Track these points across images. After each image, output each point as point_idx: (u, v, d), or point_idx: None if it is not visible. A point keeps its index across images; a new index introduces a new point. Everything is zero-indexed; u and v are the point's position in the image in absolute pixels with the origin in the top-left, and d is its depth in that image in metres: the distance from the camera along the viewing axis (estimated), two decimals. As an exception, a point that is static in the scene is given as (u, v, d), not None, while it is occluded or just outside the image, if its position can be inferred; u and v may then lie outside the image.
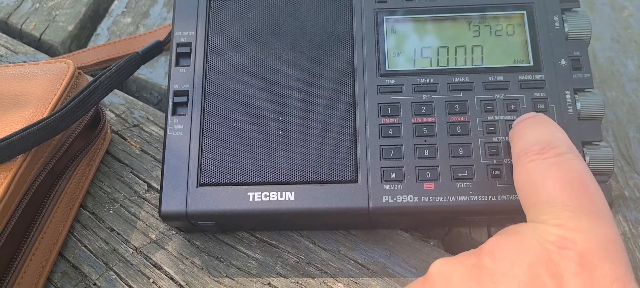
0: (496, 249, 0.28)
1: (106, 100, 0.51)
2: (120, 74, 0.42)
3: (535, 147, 0.31)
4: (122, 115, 0.50)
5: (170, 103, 0.40)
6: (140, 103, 0.52)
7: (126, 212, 0.43)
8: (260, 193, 0.37)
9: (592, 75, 0.39)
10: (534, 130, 0.32)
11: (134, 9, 0.61)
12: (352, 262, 0.40)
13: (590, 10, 0.57)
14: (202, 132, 0.39)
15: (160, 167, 0.42)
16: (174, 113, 0.40)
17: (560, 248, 0.27)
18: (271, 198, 0.37)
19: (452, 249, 0.41)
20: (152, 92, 0.54)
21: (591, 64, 0.52)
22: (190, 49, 0.41)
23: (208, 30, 0.41)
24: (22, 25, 0.60)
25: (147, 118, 0.50)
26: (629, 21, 0.56)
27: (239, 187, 0.38)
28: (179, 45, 0.41)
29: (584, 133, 0.37)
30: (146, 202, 0.44)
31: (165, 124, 0.40)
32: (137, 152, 0.47)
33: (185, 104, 0.40)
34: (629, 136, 0.46)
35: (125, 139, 0.48)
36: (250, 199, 0.37)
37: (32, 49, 0.58)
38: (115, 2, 0.63)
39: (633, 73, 0.51)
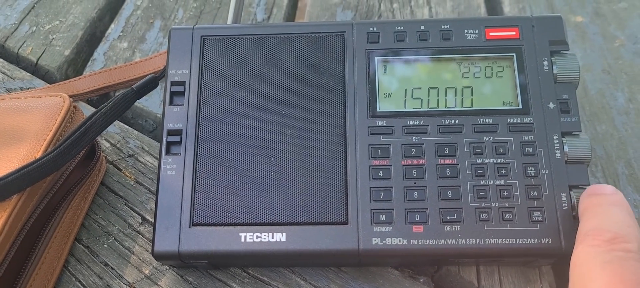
0: None
1: (101, 129, 0.52)
2: (114, 110, 0.42)
3: (607, 233, 0.31)
4: (117, 145, 0.51)
5: (164, 142, 0.40)
6: (136, 132, 0.52)
7: (120, 246, 0.44)
8: (251, 233, 0.38)
9: (580, 118, 0.39)
10: (612, 215, 0.32)
11: (130, 34, 0.62)
12: (342, 299, 0.40)
13: (581, 39, 0.58)
14: (195, 172, 0.40)
15: (154, 202, 0.43)
16: (167, 152, 0.40)
17: None
18: (263, 239, 0.38)
19: (442, 287, 0.42)
20: (148, 119, 0.55)
21: (581, 96, 0.52)
22: (184, 88, 0.42)
23: (202, 69, 0.42)
24: (18, 50, 0.60)
25: (142, 148, 0.50)
26: (620, 51, 0.57)
27: (231, 227, 0.38)
28: (173, 83, 0.42)
29: (571, 177, 0.38)
30: (140, 236, 0.44)
31: (159, 163, 0.40)
32: (132, 183, 0.48)
33: (178, 143, 0.40)
34: (617, 172, 0.47)
35: (120, 170, 0.49)
36: (242, 240, 0.38)
37: (28, 74, 0.58)
38: (112, 26, 0.63)
39: (623, 106, 0.52)
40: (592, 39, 0.58)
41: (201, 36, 0.43)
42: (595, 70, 0.55)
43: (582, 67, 0.55)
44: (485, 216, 0.37)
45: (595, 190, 0.36)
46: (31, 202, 0.40)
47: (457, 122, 0.39)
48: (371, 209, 0.38)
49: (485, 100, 0.40)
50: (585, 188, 0.38)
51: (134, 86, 0.44)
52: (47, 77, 0.59)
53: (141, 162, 0.49)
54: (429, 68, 0.41)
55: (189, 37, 0.43)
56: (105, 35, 0.62)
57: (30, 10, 0.65)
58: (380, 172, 0.39)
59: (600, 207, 0.34)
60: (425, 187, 0.38)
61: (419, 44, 0.42)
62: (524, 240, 0.36)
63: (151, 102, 0.55)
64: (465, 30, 0.42)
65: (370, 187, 0.38)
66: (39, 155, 0.40)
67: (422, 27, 0.42)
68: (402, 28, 0.42)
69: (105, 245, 0.44)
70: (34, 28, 0.63)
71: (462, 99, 0.40)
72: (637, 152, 0.48)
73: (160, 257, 0.38)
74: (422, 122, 0.40)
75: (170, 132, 0.41)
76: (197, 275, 0.42)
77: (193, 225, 0.38)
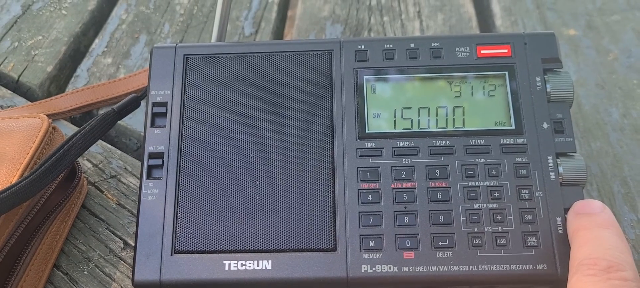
0: None
1: (83, 149, 0.50)
2: (94, 132, 0.41)
3: (602, 262, 0.30)
4: (100, 165, 0.49)
5: (145, 166, 0.39)
6: (119, 152, 0.51)
7: (101, 273, 0.42)
8: (236, 261, 0.36)
9: (574, 138, 0.38)
10: (603, 241, 0.32)
11: (114, 49, 0.61)
12: (331, 327, 0.39)
13: (574, 53, 0.57)
14: (178, 197, 0.38)
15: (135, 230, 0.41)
16: (149, 176, 0.39)
17: None
18: (248, 267, 0.36)
19: (434, 312, 0.41)
20: (132, 138, 0.53)
21: (575, 112, 0.51)
22: (166, 109, 0.40)
23: (184, 89, 0.40)
24: (0, 66, 0.59)
25: (125, 168, 0.49)
26: (613, 65, 0.56)
27: (215, 254, 0.37)
28: (154, 104, 0.40)
29: (566, 200, 0.37)
30: (121, 262, 0.43)
31: (140, 188, 0.39)
32: (114, 206, 0.46)
33: (160, 166, 0.39)
34: (613, 191, 0.45)
35: (102, 192, 0.47)
36: (226, 268, 0.36)
37: (9, 91, 0.57)
38: (96, 41, 0.62)
39: (618, 122, 0.51)
40: (585, 53, 0.57)
41: (184, 55, 0.41)
42: (589, 85, 0.54)
43: (576, 81, 0.54)
44: (478, 241, 0.36)
45: (583, 208, 0.35)
46: (7, 228, 0.38)
47: (448, 143, 0.38)
48: (360, 235, 0.37)
49: (477, 120, 0.39)
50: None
51: (114, 107, 0.43)
52: (28, 94, 0.57)
53: (124, 184, 0.48)
54: (419, 87, 0.40)
55: (172, 56, 0.41)
56: (89, 50, 0.61)
57: (12, 25, 0.63)
58: (369, 195, 0.37)
59: (591, 232, 0.33)
60: (416, 211, 0.37)
61: (409, 62, 0.40)
62: (519, 266, 0.35)
63: (135, 121, 0.53)
64: (456, 48, 0.40)
65: (359, 212, 0.37)
66: (15, 180, 0.39)
67: (412, 45, 0.41)
68: (391, 46, 0.41)
69: (85, 272, 0.42)
70: (16, 43, 0.61)
71: (454, 118, 0.39)
72: (632, 170, 0.47)
73: (140, 286, 0.37)
74: (412, 144, 0.38)
75: (152, 155, 0.39)
76: (181, 303, 0.40)
77: (175, 253, 0.37)
